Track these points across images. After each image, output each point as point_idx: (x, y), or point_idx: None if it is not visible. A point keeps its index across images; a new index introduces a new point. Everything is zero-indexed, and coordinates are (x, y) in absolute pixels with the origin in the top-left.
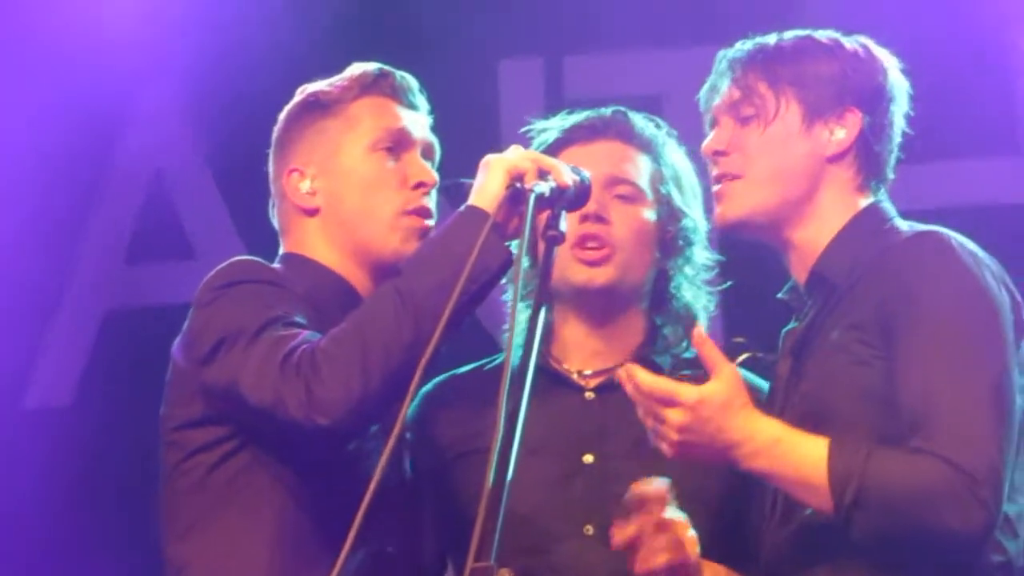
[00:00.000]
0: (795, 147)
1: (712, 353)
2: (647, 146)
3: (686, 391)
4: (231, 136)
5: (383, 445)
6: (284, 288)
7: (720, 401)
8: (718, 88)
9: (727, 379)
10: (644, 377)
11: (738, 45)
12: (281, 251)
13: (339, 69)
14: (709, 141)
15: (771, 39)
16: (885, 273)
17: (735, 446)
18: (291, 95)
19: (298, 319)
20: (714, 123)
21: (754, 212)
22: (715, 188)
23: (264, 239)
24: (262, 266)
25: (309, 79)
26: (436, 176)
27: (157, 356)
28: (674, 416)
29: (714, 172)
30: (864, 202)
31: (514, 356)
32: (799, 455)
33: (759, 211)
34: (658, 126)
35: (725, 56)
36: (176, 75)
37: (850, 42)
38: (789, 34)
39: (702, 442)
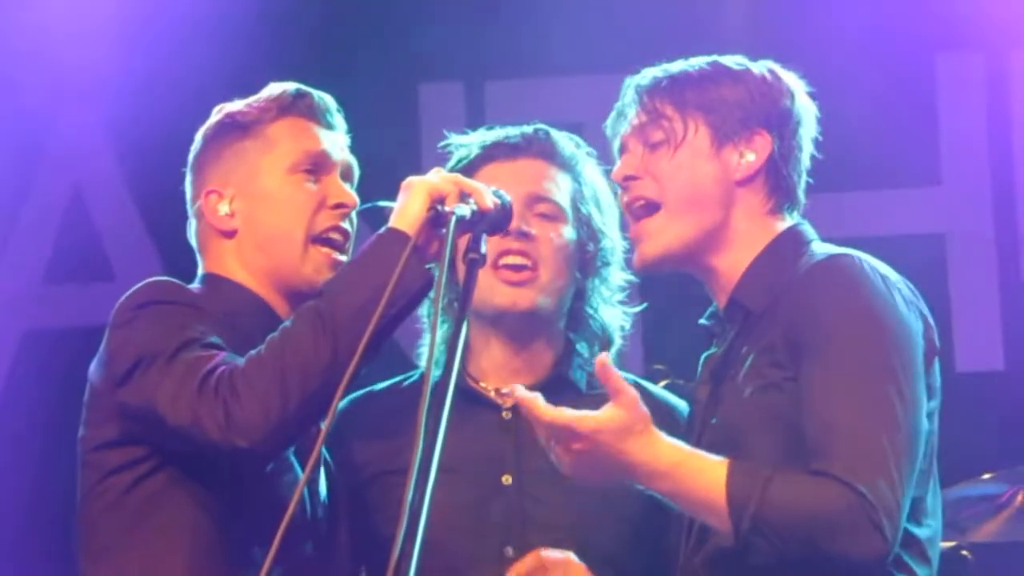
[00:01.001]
0: (705, 171)
1: (614, 380)
2: (568, 165)
3: (584, 422)
4: (152, 157)
5: (300, 466)
6: (201, 309)
7: (617, 427)
8: (625, 115)
9: (626, 405)
10: (543, 409)
11: (644, 72)
12: (200, 271)
13: (261, 90)
14: (619, 167)
15: (677, 65)
16: (795, 296)
17: (635, 468)
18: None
19: (215, 340)
20: (622, 149)
21: (673, 245)
22: (632, 228)
23: (184, 261)
24: (179, 287)
25: (229, 100)
26: (356, 198)
27: (75, 377)
28: (573, 444)
29: (625, 198)
30: (781, 225)
31: (433, 374)
32: (699, 478)
33: (678, 244)
34: (578, 145)
35: (632, 83)
36: (98, 96)
37: (757, 67)
38: (696, 60)
39: (600, 466)
